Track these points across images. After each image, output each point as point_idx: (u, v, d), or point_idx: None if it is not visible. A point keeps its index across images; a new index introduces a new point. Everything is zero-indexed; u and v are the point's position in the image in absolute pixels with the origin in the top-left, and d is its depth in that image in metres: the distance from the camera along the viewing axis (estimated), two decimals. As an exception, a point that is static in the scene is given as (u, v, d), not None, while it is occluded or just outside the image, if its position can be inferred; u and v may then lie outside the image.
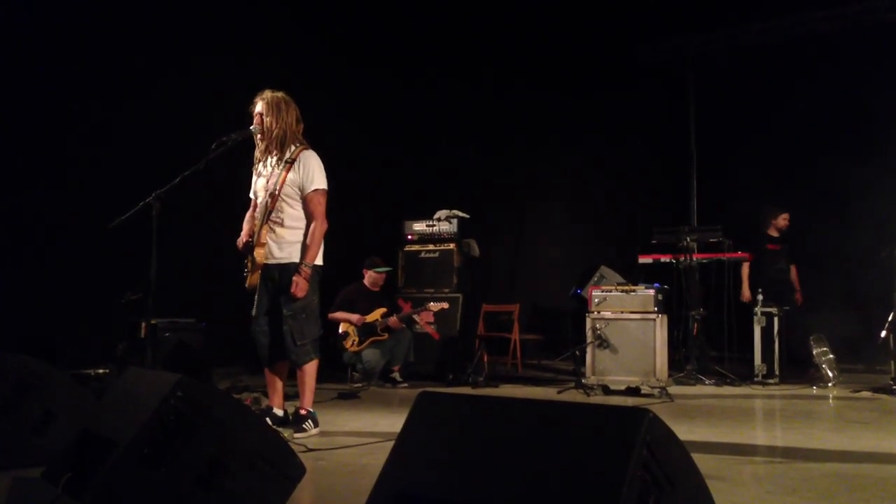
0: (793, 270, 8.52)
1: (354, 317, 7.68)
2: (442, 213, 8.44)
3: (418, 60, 10.39)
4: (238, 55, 8.25)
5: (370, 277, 7.88)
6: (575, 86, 10.23)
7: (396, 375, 7.71)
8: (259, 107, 4.57)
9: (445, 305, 7.74)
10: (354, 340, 7.63)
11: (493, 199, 10.49)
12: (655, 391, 6.56)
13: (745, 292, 8.30)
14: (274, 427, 4.32)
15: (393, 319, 7.64)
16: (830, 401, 6.67)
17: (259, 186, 4.67)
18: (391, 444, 1.99)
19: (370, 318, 7.66)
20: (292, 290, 4.43)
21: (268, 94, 4.59)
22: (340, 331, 7.70)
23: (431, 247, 8.37)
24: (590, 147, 10.23)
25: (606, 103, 10.10)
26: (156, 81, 7.74)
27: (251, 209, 4.75)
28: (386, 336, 7.62)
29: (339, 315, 7.71)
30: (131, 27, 7.61)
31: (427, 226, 8.43)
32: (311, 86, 8.49)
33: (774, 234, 8.53)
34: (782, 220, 8.50)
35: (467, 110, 10.42)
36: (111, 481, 2.36)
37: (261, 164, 4.69)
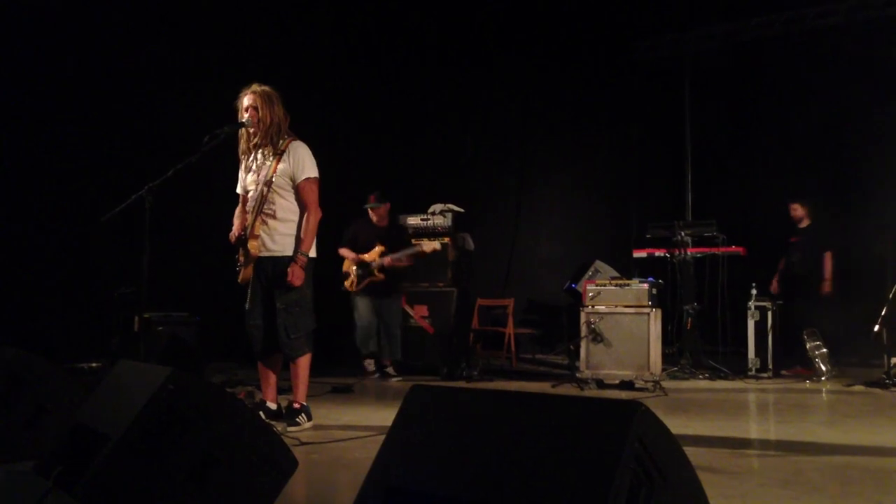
0: (825, 258, 8.13)
1: (351, 255, 7.62)
2: (437, 207, 8.42)
3: (414, 54, 10.37)
4: (232, 48, 8.22)
5: (370, 213, 7.81)
6: (571, 81, 10.24)
7: (390, 370, 7.71)
8: (249, 100, 4.54)
9: (437, 246, 7.66)
10: (353, 281, 7.57)
11: (488, 193, 10.49)
12: (649, 385, 6.57)
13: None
14: (267, 421, 4.33)
15: (387, 259, 7.51)
16: (823, 394, 6.70)
17: (249, 180, 4.66)
18: (384, 437, 1.99)
19: (367, 257, 7.55)
20: (288, 278, 4.43)
21: (257, 87, 4.57)
22: (343, 269, 7.63)
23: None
24: (585, 142, 10.23)
25: (602, 98, 10.11)
26: (151, 76, 7.72)
27: (240, 204, 4.74)
28: (382, 276, 7.51)
29: (343, 251, 7.65)
30: (125, 21, 7.58)
31: (422, 220, 8.41)
32: (304, 79, 8.50)
33: (797, 226, 8.41)
34: (790, 210, 8.40)
35: (463, 104, 10.41)
36: (103, 475, 2.35)
37: (249, 158, 4.68)
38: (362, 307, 7.64)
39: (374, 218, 7.81)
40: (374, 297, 7.66)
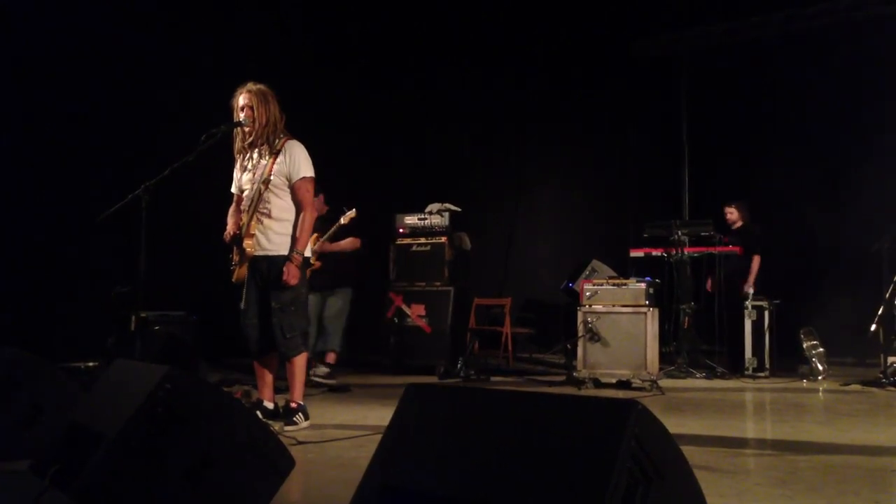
0: (752, 261, 8.21)
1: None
2: (433, 207, 8.42)
3: (412, 53, 10.36)
4: (229, 46, 8.21)
5: None
6: (568, 80, 10.23)
7: (320, 369, 6.93)
8: (245, 99, 4.54)
9: (353, 214, 6.93)
10: None
11: (485, 192, 10.48)
12: (646, 384, 6.57)
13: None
14: (264, 420, 4.33)
15: (318, 244, 6.93)
16: (820, 394, 6.70)
17: (245, 179, 4.65)
18: (381, 436, 1.99)
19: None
20: (284, 277, 4.43)
21: (252, 86, 4.56)
22: None
23: (423, 240, 8.33)
24: (582, 141, 10.23)
25: (599, 97, 10.09)
26: (147, 74, 7.71)
27: (234, 204, 4.73)
28: (319, 264, 6.93)
29: None
30: (123, 20, 7.57)
31: (419, 219, 8.40)
32: (302, 78, 8.50)
33: (731, 228, 8.49)
34: (726, 214, 8.50)
35: (460, 103, 10.40)
36: (99, 474, 2.35)
37: (244, 157, 4.67)
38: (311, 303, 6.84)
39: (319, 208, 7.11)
40: (318, 292, 7.06)
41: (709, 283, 8.18)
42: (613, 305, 6.85)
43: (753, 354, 7.69)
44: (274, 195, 4.53)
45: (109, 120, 7.45)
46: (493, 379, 7.59)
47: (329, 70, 9.63)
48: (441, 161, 10.29)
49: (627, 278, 7.06)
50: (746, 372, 7.61)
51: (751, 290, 7.91)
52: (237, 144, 4.68)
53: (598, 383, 6.80)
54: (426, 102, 10.38)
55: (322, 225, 7.21)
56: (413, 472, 1.85)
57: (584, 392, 6.55)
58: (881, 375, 6.92)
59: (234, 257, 4.62)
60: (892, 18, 8.77)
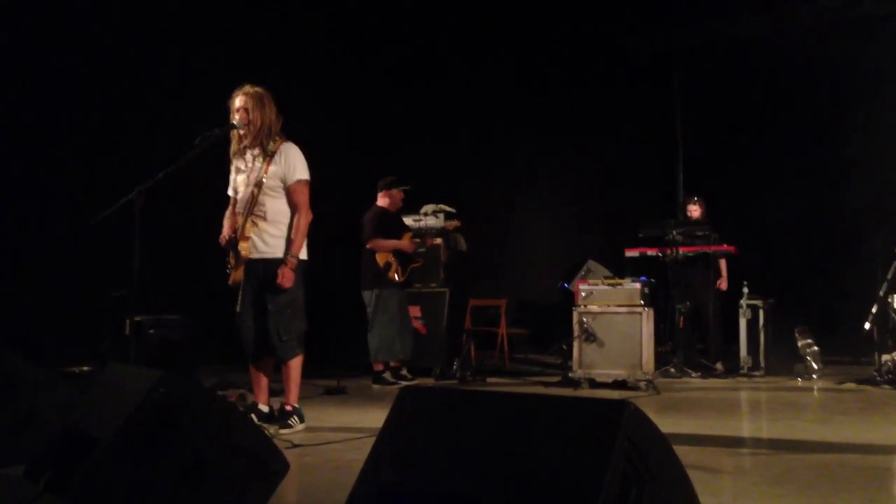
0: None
1: (405, 244, 7.24)
2: (428, 208, 8.41)
3: (405, 53, 10.36)
4: (225, 47, 8.21)
5: (393, 198, 7.36)
6: (562, 80, 10.25)
7: (406, 371, 7.32)
8: (241, 101, 4.53)
9: (458, 223, 7.71)
10: (398, 270, 7.17)
11: (479, 193, 10.49)
12: (642, 384, 6.58)
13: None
14: (259, 423, 4.32)
15: (433, 240, 7.45)
16: (815, 392, 6.72)
17: (240, 182, 4.64)
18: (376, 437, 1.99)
19: (407, 245, 7.20)
20: (279, 280, 4.42)
21: (249, 88, 4.56)
22: (382, 262, 7.15)
23: (418, 241, 8.33)
24: (577, 141, 10.24)
25: (593, 97, 10.12)
26: (142, 77, 7.70)
27: (230, 206, 4.73)
28: (421, 262, 7.27)
29: (387, 243, 7.15)
30: (119, 22, 7.56)
31: (414, 220, 8.39)
32: (295, 78, 8.49)
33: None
34: (688, 210, 8.52)
35: (454, 104, 10.40)
36: (93, 479, 2.34)
37: (239, 159, 4.66)
38: (396, 303, 7.16)
39: (398, 202, 7.43)
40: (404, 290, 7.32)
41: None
42: (609, 305, 6.85)
43: (748, 353, 7.70)
44: (269, 197, 4.52)
45: (105, 122, 7.43)
46: (490, 380, 7.59)
47: (324, 72, 9.62)
48: (436, 162, 10.28)
49: (623, 278, 7.07)
50: (741, 371, 7.63)
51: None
52: (233, 147, 4.67)
53: (593, 383, 6.80)
54: (421, 103, 10.38)
55: (398, 222, 7.40)
56: (407, 473, 1.85)
57: (579, 392, 6.55)
58: (876, 374, 6.93)
59: (230, 260, 4.61)
60: (884, 18, 8.80)
